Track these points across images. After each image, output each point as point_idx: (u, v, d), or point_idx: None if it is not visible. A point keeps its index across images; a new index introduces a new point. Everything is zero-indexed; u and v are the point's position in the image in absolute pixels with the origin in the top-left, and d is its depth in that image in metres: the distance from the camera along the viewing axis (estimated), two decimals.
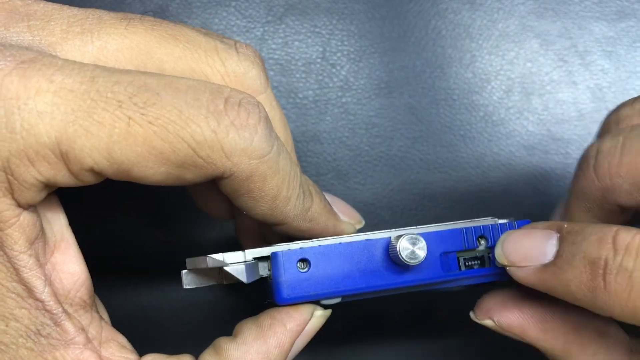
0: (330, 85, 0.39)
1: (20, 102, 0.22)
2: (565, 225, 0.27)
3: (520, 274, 0.27)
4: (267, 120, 0.25)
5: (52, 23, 0.25)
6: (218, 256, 0.26)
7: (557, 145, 0.39)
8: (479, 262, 0.29)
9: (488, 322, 0.29)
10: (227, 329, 0.28)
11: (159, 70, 0.26)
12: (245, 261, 0.26)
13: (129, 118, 0.23)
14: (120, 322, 0.29)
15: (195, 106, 0.24)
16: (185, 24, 0.28)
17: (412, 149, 0.39)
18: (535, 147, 0.39)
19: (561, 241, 0.26)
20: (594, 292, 0.24)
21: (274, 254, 0.27)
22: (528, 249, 0.27)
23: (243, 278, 0.25)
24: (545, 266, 0.26)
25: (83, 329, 0.25)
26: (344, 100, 0.39)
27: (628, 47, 0.40)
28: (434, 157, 0.39)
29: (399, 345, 0.38)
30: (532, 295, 0.28)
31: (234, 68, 0.27)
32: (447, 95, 0.40)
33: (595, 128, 0.40)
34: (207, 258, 0.25)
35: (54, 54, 0.25)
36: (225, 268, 0.25)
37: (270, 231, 0.31)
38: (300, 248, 0.27)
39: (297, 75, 0.39)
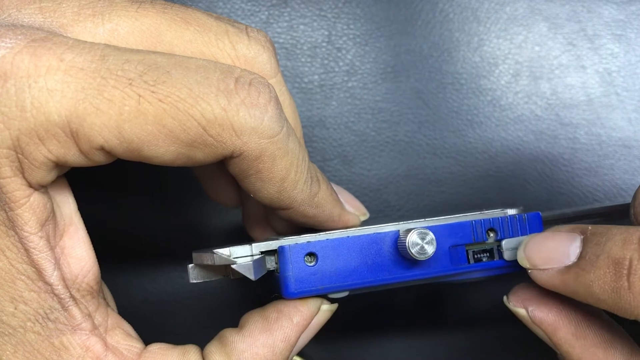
0: (336, 69, 0.39)
1: (30, 80, 0.22)
2: (590, 228, 0.26)
3: (542, 277, 0.27)
4: (277, 100, 0.25)
5: (64, 5, 0.25)
6: (225, 251, 0.25)
7: (565, 130, 0.39)
8: (487, 254, 0.28)
9: (521, 311, 0.28)
10: (233, 319, 0.28)
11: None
12: (252, 255, 0.26)
13: (139, 96, 0.23)
14: (126, 310, 0.28)
15: (206, 84, 0.23)
16: (196, 8, 0.28)
17: (418, 134, 0.39)
18: (543, 132, 0.39)
19: (585, 242, 0.26)
20: (617, 293, 0.24)
21: (282, 247, 0.26)
22: (551, 251, 0.26)
23: (251, 276, 0.25)
24: (568, 268, 0.26)
25: (90, 315, 0.25)
26: (349, 84, 0.39)
27: (638, 30, 0.40)
28: (441, 142, 0.39)
29: (405, 335, 0.38)
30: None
31: (245, 52, 0.27)
32: (454, 79, 0.39)
33: (604, 113, 0.39)
34: (214, 255, 0.24)
35: (65, 35, 0.25)
36: (233, 266, 0.25)
37: (277, 219, 0.31)
38: (308, 242, 0.26)
39: (303, 60, 0.39)
